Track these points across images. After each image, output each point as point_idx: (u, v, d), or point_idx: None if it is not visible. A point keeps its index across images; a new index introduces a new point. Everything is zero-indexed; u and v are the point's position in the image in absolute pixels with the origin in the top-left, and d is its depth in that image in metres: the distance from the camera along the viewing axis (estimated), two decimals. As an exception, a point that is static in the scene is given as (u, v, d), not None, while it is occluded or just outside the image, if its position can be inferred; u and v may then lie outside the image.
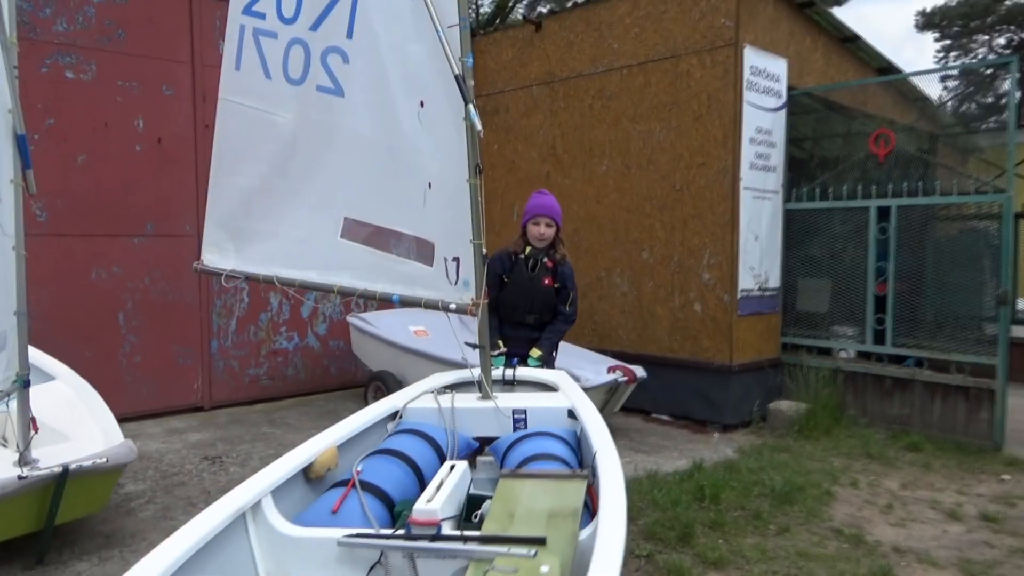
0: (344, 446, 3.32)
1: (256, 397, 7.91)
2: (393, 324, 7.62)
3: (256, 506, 2.67)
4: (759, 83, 7.09)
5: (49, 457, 3.96)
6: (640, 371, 6.45)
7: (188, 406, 7.40)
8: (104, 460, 3.96)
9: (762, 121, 7.14)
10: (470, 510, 2.75)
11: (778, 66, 7.30)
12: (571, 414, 3.68)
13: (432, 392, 3.95)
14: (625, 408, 6.94)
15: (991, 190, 6.53)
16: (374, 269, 4.06)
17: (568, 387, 3.95)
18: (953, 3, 31.52)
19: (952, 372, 6.73)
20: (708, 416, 7.19)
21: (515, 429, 3.66)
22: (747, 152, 7.02)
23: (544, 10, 19.07)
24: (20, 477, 3.67)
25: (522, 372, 4.23)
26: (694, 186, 7.24)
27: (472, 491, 2.90)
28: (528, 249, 4.88)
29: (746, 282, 7.11)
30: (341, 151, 4.10)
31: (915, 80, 9.00)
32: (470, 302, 3.74)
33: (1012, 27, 31.23)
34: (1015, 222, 8.02)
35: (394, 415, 3.76)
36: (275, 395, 8.06)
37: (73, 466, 3.82)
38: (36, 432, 4.02)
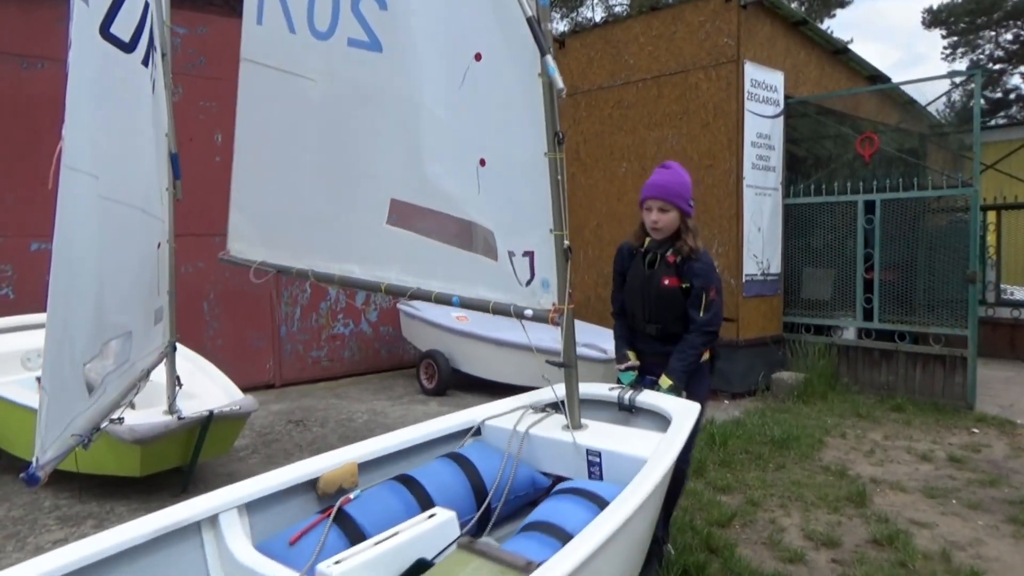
0: (387, 460, 2.94)
1: (318, 376, 8.99)
2: (438, 309, 8.62)
3: (213, 519, 2.40)
4: (759, 94, 8.07)
5: (187, 410, 4.99)
6: (658, 345, 7.41)
7: (262, 384, 8.45)
8: (238, 407, 5.02)
9: (762, 127, 8.13)
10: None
11: (775, 78, 8.28)
12: None
13: (524, 409, 3.32)
14: (645, 380, 7.94)
15: (960, 185, 7.47)
16: (427, 262, 3.38)
17: (678, 428, 3.03)
18: (959, 0, 32.31)
19: (931, 344, 7.69)
20: (718, 385, 8.16)
21: (590, 474, 2.96)
22: (749, 154, 8.00)
23: (565, 29, 20.24)
24: (179, 418, 4.71)
25: (645, 398, 3.43)
26: (703, 184, 8.22)
27: (433, 556, 2.32)
28: (647, 241, 3.78)
29: (750, 268, 8.10)
30: (383, 119, 3.38)
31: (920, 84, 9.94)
32: (551, 307, 3.03)
33: (1018, 23, 31.97)
34: (985, 213, 9.01)
35: (470, 431, 3.25)
36: (334, 375, 9.13)
37: (217, 411, 4.87)
38: (181, 387, 5.05)
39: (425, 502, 2.68)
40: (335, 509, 2.50)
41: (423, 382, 8.35)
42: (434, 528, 2.35)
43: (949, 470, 5.65)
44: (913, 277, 7.83)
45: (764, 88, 8.13)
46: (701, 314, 3.61)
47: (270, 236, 3.93)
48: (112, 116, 3.37)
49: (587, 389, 3.50)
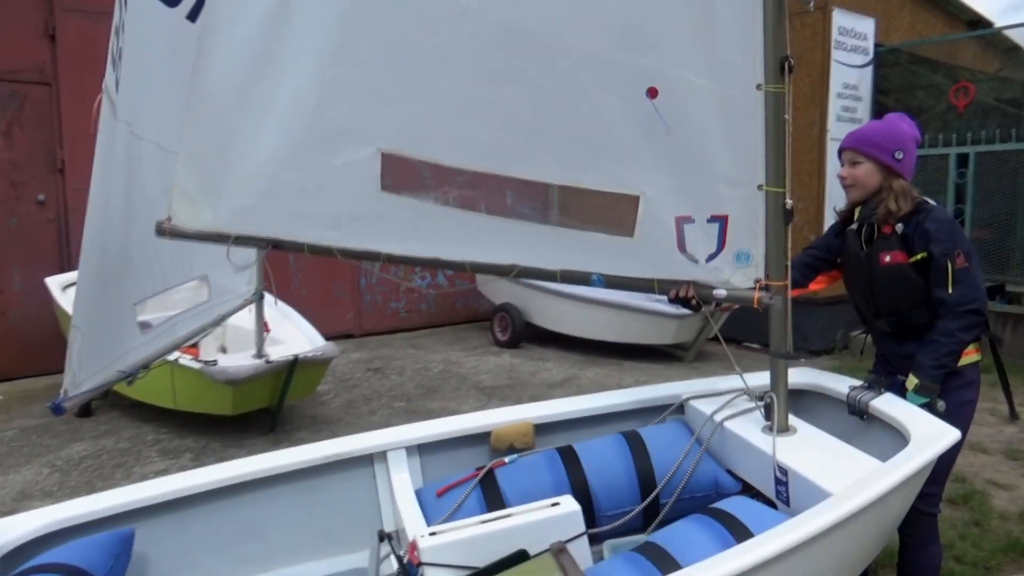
0: (569, 425, 2.79)
1: (397, 327, 9.29)
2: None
3: (383, 455, 2.58)
4: (847, 42, 7.75)
5: (274, 354, 5.25)
6: (733, 301, 7.34)
7: (342, 333, 8.77)
8: (321, 353, 5.27)
9: (849, 77, 7.82)
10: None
11: (865, 25, 7.93)
12: None
13: (737, 393, 2.78)
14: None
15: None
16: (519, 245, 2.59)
17: (903, 460, 2.20)
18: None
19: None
20: (794, 344, 8.02)
21: (777, 493, 2.36)
22: (834, 106, 7.73)
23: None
24: (267, 361, 4.99)
25: (882, 404, 2.60)
26: (784, 137, 8.01)
27: (539, 551, 1.99)
28: (856, 212, 2.86)
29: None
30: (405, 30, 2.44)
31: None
32: (753, 285, 2.36)
33: None
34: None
35: (670, 408, 2.88)
36: (412, 326, 9.42)
37: (301, 355, 5.13)
38: (268, 333, 5.33)
39: (579, 482, 2.46)
40: (484, 470, 2.47)
41: (497, 334, 8.52)
42: (550, 519, 2.07)
43: (1035, 433, 5.48)
44: (1008, 234, 7.47)
45: (853, 36, 7.80)
46: (949, 291, 2.58)
47: (217, 195, 2.81)
48: (150, 69, 3.35)
49: (822, 380, 2.94)
